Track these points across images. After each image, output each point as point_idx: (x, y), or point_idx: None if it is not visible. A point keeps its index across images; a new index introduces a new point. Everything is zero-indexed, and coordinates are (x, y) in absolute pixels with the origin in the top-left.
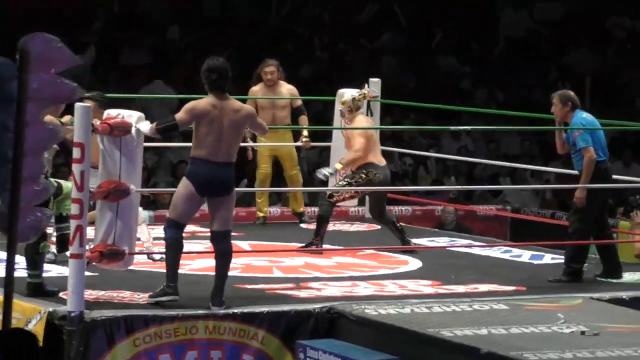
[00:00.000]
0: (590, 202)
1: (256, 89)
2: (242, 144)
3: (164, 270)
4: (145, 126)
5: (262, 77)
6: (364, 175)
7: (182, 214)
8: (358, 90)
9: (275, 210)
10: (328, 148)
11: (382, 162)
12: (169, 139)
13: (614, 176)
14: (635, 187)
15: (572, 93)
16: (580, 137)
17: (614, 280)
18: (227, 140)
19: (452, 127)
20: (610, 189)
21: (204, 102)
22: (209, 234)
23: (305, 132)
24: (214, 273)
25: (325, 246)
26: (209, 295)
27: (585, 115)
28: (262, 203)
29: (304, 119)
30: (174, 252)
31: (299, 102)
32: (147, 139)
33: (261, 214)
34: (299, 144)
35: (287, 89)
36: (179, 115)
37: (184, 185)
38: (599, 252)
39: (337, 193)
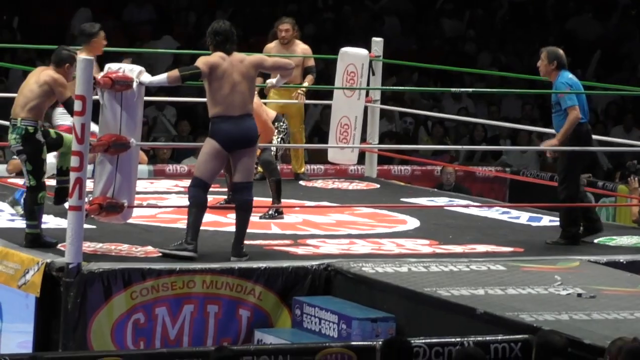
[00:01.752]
0: (575, 165)
1: (271, 46)
2: None
3: (161, 224)
4: (158, 77)
5: (277, 34)
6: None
7: (207, 173)
8: None
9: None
10: (329, 106)
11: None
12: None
13: (615, 139)
14: (633, 151)
15: (560, 51)
16: (566, 95)
17: (596, 240)
18: (240, 92)
19: (453, 89)
20: (590, 151)
21: (214, 55)
22: (212, 189)
23: (302, 88)
24: (215, 228)
25: (323, 203)
26: (208, 250)
27: (571, 76)
28: (296, 160)
29: (309, 78)
30: (197, 210)
31: (311, 62)
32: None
33: (261, 170)
34: (296, 101)
35: (301, 49)
36: (199, 64)
37: (209, 145)
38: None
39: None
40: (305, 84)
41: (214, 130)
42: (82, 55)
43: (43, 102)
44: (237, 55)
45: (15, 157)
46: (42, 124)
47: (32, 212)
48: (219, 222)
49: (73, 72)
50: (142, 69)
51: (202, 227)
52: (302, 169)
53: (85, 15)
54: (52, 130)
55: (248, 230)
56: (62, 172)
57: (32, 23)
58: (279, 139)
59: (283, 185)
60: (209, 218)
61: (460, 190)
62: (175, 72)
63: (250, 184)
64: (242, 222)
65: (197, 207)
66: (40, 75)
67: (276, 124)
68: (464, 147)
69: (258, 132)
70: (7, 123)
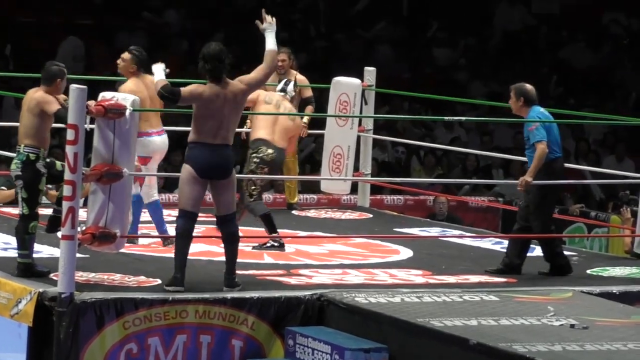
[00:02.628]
0: (548, 198)
1: None
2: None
3: (154, 254)
4: (161, 74)
5: None
6: (255, 154)
7: (189, 201)
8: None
9: (268, 196)
10: (322, 136)
11: (280, 143)
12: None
13: (608, 170)
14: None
15: (528, 87)
16: (535, 130)
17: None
18: (227, 124)
19: (445, 118)
20: (562, 185)
21: (208, 91)
22: (204, 219)
23: (304, 120)
24: (207, 258)
25: (316, 233)
26: (200, 280)
27: (543, 110)
28: (289, 190)
29: (310, 109)
30: (182, 242)
31: (309, 93)
32: None
33: (291, 201)
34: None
35: (297, 79)
36: (184, 91)
37: (185, 171)
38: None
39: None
40: (304, 120)
41: (189, 156)
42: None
43: (40, 126)
44: (231, 86)
45: (3, 187)
46: (45, 153)
47: (23, 241)
48: (212, 252)
49: (64, 86)
50: (136, 98)
51: (195, 257)
52: (295, 199)
53: (73, 43)
54: (58, 163)
55: (240, 260)
56: (59, 202)
57: (24, 50)
58: (252, 167)
59: (276, 215)
60: (201, 248)
61: (453, 220)
62: (159, 84)
63: (233, 214)
64: (231, 253)
65: (181, 239)
66: (30, 102)
67: (253, 147)
68: (456, 180)
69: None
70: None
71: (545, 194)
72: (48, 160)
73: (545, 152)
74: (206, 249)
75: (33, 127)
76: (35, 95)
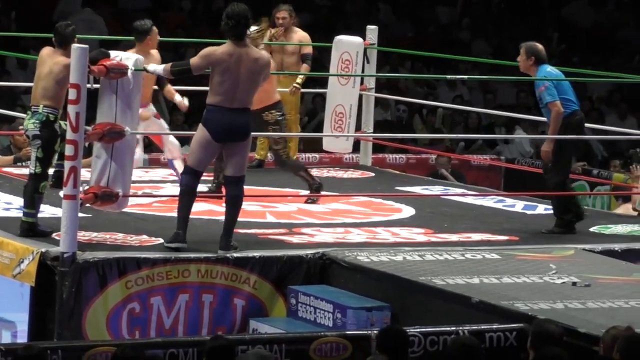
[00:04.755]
0: (565, 153)
1: (270, 32)
2: None
3: (156, 213)
4: (159, 67)
5: (275, 21)
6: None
7: (199, 161)
8: (255, 26)
9: (270, 155)
10: (322, 95)
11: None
12: (182, 82)
13: (610, 128)
14: (629, 139)
15: (539, 46)
16: (546, 91)
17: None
18: (243, 87)
19: (448, 76)
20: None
21: (221, 50)
22: (209, 179)
23: (298, 79)
24: (209, 217)
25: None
26: (202, 239)
27: (550, 69)
28: (261, 146)
29: (305, 67)
30: (186, 199)
31: (307, 50)
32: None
33: (258, 157)
34: (287, 89)
35: (298, 36)
36: (194, 60)
37: (200, 133)
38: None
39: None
40: (298, 79)
41: (206, 119)
42: (135, 53)
43: (61, 90)
44: (251, 52)
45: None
46: (61, 114)
47: (32, 200)
48: (214, 210)
49: None
50: (140, 57)
51: (197, 216)
52: (294, 158)
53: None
54: (62, 122)
55: (243, 219)
56: (61, 157)
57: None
58: (272, 129)
59: (277, 173)
60: (203, 207)
61: (457, 175)
62: (168, 66)
63: (241, 178)
64: (231, 216)
65: (186, 196)
66: (54, 66)
67: (273, 111)
68: (459, 135)
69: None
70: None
71: (562, 147)
72: (63, 122)
73: (561, 112)
74: (208, 207)
75: (53, 89)
76: (60, 61)
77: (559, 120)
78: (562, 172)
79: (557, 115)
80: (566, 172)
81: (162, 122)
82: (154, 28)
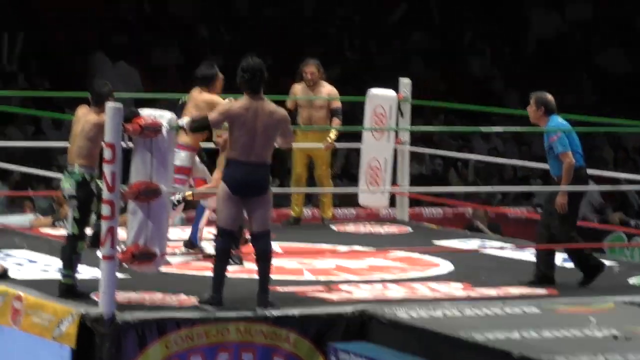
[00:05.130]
0: (573, 206)
1: (297, 87)
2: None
3: (195, 272)
4: (182, 121)
5: (303, 76)
6: None
7: (226, 219)
8: None
9: (307, 211)
10: (356, 150)
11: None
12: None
13: None
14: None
15: (549, 96)
16: (558, 141)
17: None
18: (260, 141)
19: (482, 128)
20: (584, 194)
21: (238, 104)
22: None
23: (331, 134)
24: (245, 275)
25: (356, 248)
26: (239, 298)
27: (561, 120)
28: (296, 202)
29: (336, 122)
30: (221, 261)
31: (337, 104)
32: None
33: (294, 214)
34: (321, 145)
35: (326, 90)
36: (213, 115)
37: (221, 189)
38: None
39: None
40: (331, 134)
41: (225, 174)
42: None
43: (95, 148)
44: (267, 106)
45: (38, 215)
46: (97, 173)
47: (70, 261)
48: (252, 269)
49: None
50: (173, 115)
51: (235, 275)
52: (330, 214)
53: (102, 59)
54: (99, 181)
55: (281, 277)
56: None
57: (58, 68)
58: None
59: (314, 229)
60: (244, 265)
61: (494, 228)
62: (187, 125)
63: (267, 232)
64: (264, 271)
65: (219, 259)
66: (85, 124)
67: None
68: (494, 188)
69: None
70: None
71: (571, 200)
72: (99, 180)
73: (573, 164)
74: (246, 266)
75: (87, 148)
76: (92, 119)
77: (571, 171)
78: (571, 226)
79: (569, 167)
80: (574, 225)
81: (204, 167)
82: (219, 73)
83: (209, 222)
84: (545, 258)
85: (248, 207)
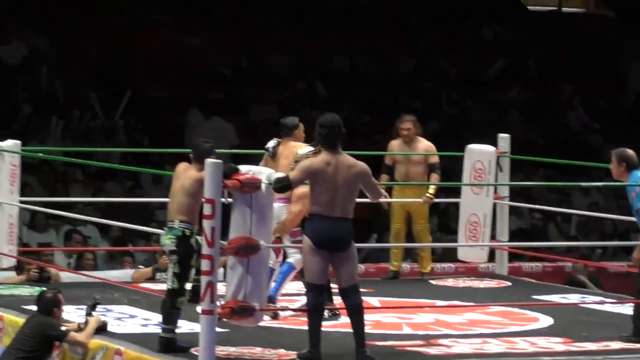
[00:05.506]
0: None
1: (394, 143)
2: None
3: (293, 326)
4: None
5: (399, 132)
6: None
7: (313, 273)
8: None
9: (406, 266)
10: (455, 204)
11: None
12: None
13: None
14: None
15: (630, 152)
16: (637, 197)
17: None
18: (342, 195)
19: (583, 184)
20: None
21: (318, 160)
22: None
23: (430, 189)
24: (346, 329)
25: (455, 302)
26: (337, 352)
27: None
28: (395, 257)
29: (434, 177)
30: (314, 317)
31: (434, 159)
32: None
33: (393, 268)
34: (419, 200)
35: (423, 145)
36: (293, 174)
37: (306, 243)
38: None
39: None
40: (430, 189)
41: (307, 228)
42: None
43: (195, 204)
44: (346, 160)
45: (141, 267)
46: (197, 229)
47: (170, 316)
48: (349, 323)
49: None
50: (271, 171)
51: (332, 329)
52: (429, 268)
53: (197, 115)
54: (199, 238)
55: (379, 331)
56: (198, 271)
57: (156, 124)
58: None
59: (413, 284)
60: (339, 320)
61: (593, 282)
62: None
63: (355, 286)
64: (358, 326)
65: (313, 315)
66: (185, 180)
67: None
68: (595, 243)
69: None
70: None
71: None
72: (200, 237)
73: None
74: (343, 320)
75: (187, 204)
76: (192, 175)
77: None
78: None
79: None
80: None
81: None
82: (301, 124)
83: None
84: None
85: (334, 263)
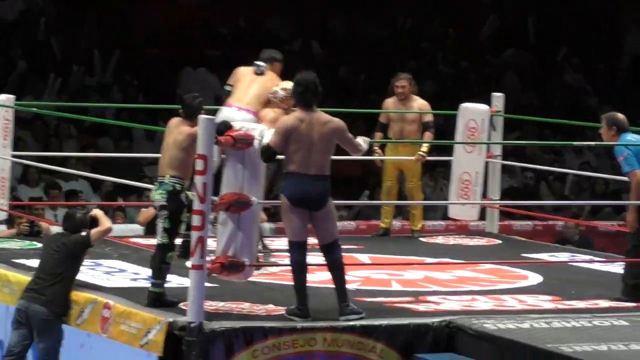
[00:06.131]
0: None
1: (389, 102)
2: (369, 157)
3: (283, 282)
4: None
5: (394, 90)
6: None
7: (293, 231)
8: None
9: (396, 223)
10: (447, 163)
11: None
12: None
13: None
14: None
15: (620, 116)
16: (624, 160)
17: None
18: (317, 152)
19: (575, 143)
20: None
21: (292, 118)
22: None
23: (423, 147)
24: (332, 285)
25: (444, 260)
26: (327, 308)
27: (631, 137)
28: (386, 214)
29: (427, 135)
30: (298, 274)
31: (428, 118)
32: None
33: (384, 225)
34: (412, 158)
35: (418, 104)
36: (273, 140)
37: (283, 202)
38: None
39: None
40: (423, 147)
41: (284, 187)
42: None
43: (186, 159)
44: (320, 117)
45: (144, 209)
46: (187, 185)
47: (159, 271)
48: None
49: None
50: (264, 127)
51: (322, 285)
52: (419, 226)
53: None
54: (189, 193)
55: (369, 287)
56: (189, 227)
57: (151, 82)
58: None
59: (403, 241)
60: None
61: (586, 242)
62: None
63: (335, 242)
64: (339, 280)
65: (297, 272)
66: (178, 135)
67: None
68: (586, 202)
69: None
70: (134, 183)
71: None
72: (190, 193)
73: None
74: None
75: (179, 159)
76: (184, 130)
77: (639, 189)
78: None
79: (637, 185)
80: None
81: None
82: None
83: None
84: (629, 270)
85: (312, 221)
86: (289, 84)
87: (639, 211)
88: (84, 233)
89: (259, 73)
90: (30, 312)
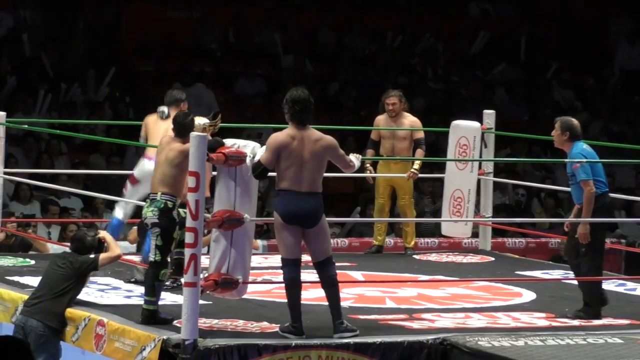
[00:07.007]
0: (599, 237)
1: (380, 118)
2: (361, 174)
3: (276, 299)
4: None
5: (385, 107)
6: None
7: (286, 248)
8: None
9: (389, 240)
10: (440, 180)
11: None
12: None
13: None
14: None
15: (574, 122)
16: (581, 168)
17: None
18: (309, 170)
19: (566, 160)
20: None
21: (283, 134)
22: None
23: (415, 164)
24: (325, 303)
25: (438, 277)
26: (321, 325)
27: (586, 147)
28: (379, 232)
29: (419, 152)
30: (292, 291)
31: (419, 135)
32: None
33: (376, 243)
34: (404, 175)
35: (409, 121)
36: (264, 156)
37: (276, 219)
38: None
39: None
40: (415, 164)
41: (276, 204)
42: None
43: (178, 176)
44: (312, 134)
45: (135, 227)
46: (179, 202)
47: (152, 288)
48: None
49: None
50: (257, 144)
51: (316, 302)
52: (412, 243)
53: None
54: (181, 210)
55: (363, 305)
56: (181, 244)
57: (142, 98)
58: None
59: (396, 258)
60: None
61: None
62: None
63: (328, 259)
64: (333, 297)
65: (290, 289)
66: (169, 152)
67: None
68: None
69: (321, 210)
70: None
71: (595, 230)
72: (182, 210)
73: (593, 192)
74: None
75: (171, 177)
76: (175, 146)
77: (592, 199)
78: (599, 256)
79: (590, 195)
80: (602, 255)
81: None
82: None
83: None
84: (589, 290)
85: (305, 238)
86: (202, 120)
87: (593, 222)
88: (92, 255)
89: (165, 118)
90: (27, 328)
